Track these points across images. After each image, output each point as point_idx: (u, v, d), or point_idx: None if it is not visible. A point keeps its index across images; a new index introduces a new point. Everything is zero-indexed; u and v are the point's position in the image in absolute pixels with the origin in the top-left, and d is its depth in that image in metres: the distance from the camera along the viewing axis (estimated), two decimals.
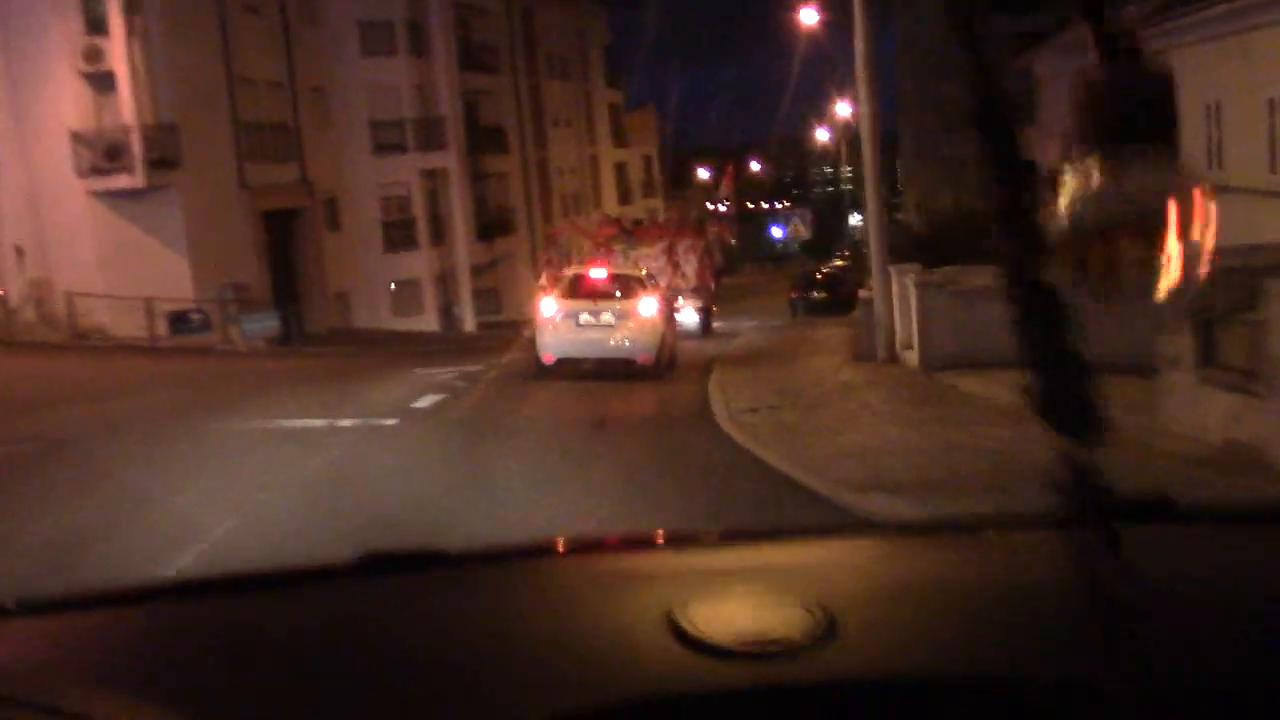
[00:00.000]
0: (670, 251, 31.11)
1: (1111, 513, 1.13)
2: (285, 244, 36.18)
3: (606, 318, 18.72)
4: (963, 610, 1.53)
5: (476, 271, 44.67)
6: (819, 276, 40.01)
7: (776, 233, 72.12)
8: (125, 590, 1.92)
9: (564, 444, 12.49)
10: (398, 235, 40.49)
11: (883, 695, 1.29)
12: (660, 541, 2.20)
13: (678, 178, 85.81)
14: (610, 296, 19.16)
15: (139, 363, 24.76)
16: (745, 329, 32.96)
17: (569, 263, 28.78)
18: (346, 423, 14.02)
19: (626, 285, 19.88)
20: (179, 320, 30.15)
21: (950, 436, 10.39)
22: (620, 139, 63.84)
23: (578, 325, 18.76)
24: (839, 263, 57.36)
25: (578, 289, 19.61)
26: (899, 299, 18.33)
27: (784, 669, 1.32)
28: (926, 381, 14.80)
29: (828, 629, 1.38)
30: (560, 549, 2.13)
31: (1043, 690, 1.29)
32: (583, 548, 2.20)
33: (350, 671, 1.44)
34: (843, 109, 59.62)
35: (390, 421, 14.12)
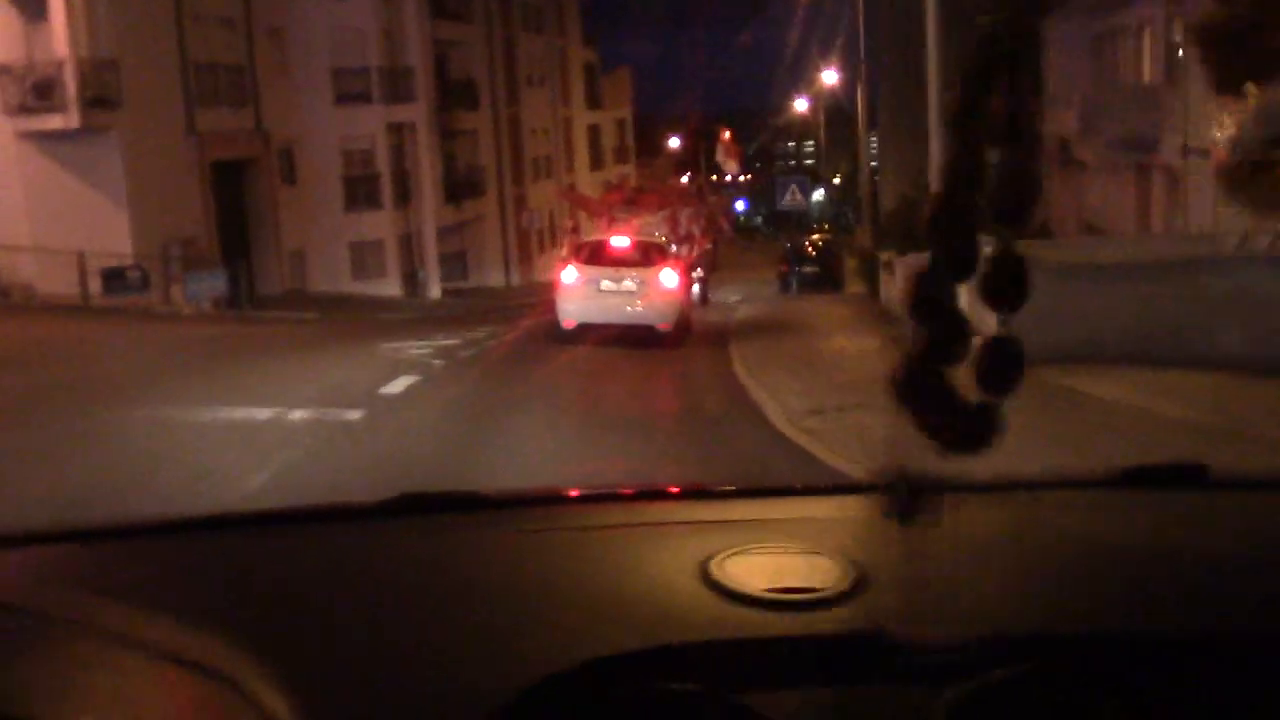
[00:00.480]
0: (672, 219, 30.45)
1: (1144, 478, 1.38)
2: (236, 197, 32.91)
3: (628, 284, 18.63)
4: (992, 567, 1.53)
5: (443, 235, 41.55)
6: (809, 250, 37.27)
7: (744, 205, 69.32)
8: (148, 523, 1.95)
9: (579, 461, 9.49)
10: (360, 192, 37.23)
11: (909, 647, 1.28)
12: (696, 492, 2.22)
13: (649, 144, 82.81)
14: (632, 263, 19.03)
15: (62, 326, 21.51)
16: (736, 302, 30.33)
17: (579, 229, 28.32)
18: (299, 415, 11.05)
19: (647, 252, 19.69)
20: (114, 278, 26.87)
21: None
22: (594, 101, 60.68)
23: (599, 291, 18.62)
24: (815, 237, 54.71)
25: (599, 255, 19.37)
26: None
27: (814, 619, 1.34)
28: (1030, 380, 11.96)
29: (858, 580, 1.39)
30: (597, 496, 2.12)
31: (1071, 646, 1.31)
32: (619, 497, 2.14)
33: (383, 609, 1.43)
34: (827, 77, 56.86)
35: (355, 414, 11.17)
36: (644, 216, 29.87)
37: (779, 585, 1.40)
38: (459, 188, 43.17)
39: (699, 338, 20.33)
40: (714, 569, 1.45)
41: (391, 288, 37.67)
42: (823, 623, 1.33)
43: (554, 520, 1.91)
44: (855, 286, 36.34)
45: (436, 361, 15.82)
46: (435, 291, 39.12)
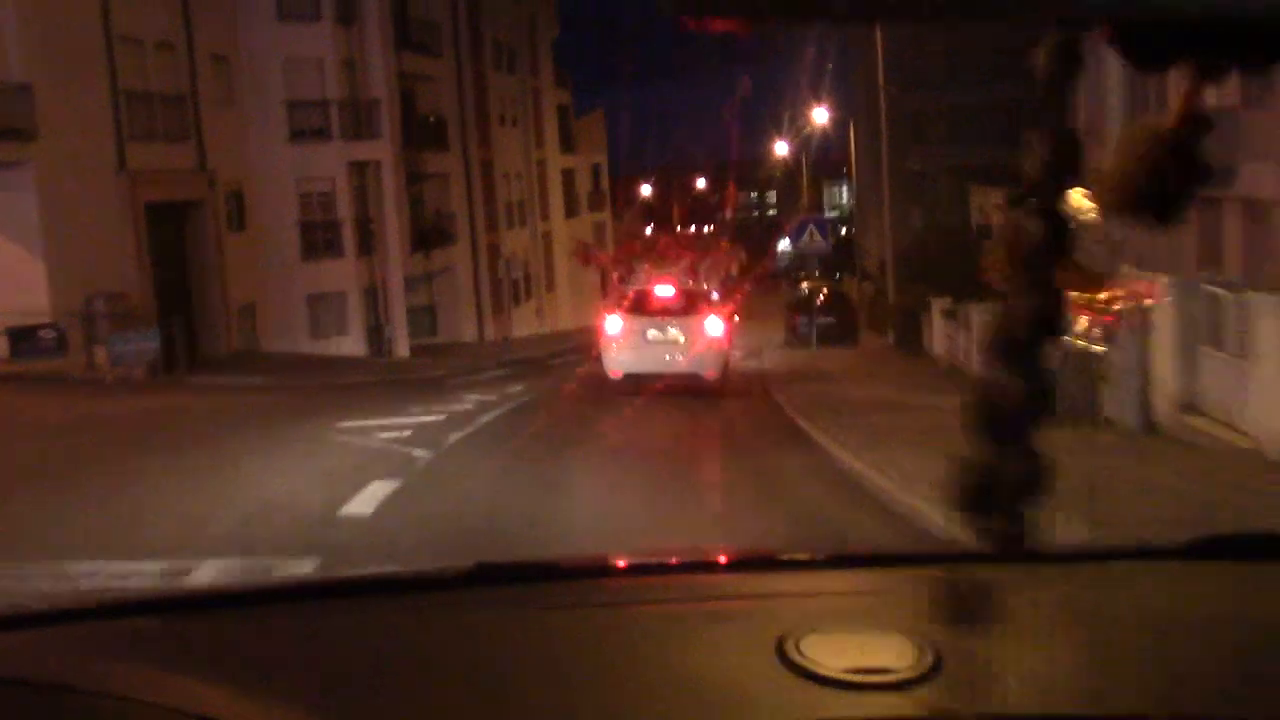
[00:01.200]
0: (693, 270, 29.51)
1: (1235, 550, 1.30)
2: (176, 244, 28.50)
3: (673, 333, 18.63)
4: (1069, 644, 1.51)
5: (410, 286, 37.26)
6: (821, 299, 33.29)
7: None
8: (224, 592, 2.14)
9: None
10: (318, 239, 32.88)
11: None
12: (769, 563, 2.18)
13: (624, 192, 79.11)
14: (676, 312, 19.03)
15: None
16: (747, 357, 26.26)
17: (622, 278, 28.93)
18: (208, 567, 6.67)
19: (691, 301, 19.71)
20: (23, 339, 22.40)
21: None
22: (568, 144, 56.73)
23: (645, 341, 18.66)
24: (808, 284, 50.84)
25: (643, 305, 19.33)
26: (1173, 329, 11.42)
27: (895, 701, 1.31)
28: None
29: (936, 659, 1.36)
30: (673, 566, 2.09)
31: None
32: (695, 566, 2.09)
33: (459, 682, 1.44)
34: (818, 115, 53.46)
35: (297, 565, 6.79)
36: (664, 267, 29.31)
37: (858, 665, 1.36)
38: (428, 235, 38.96)
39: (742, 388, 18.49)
40: (790, 648, 1.41)
41: (354, 345, 33.26)
42: (904, 705, 1.29)
43: (627, 594, 1.87)
44: (871, 336, 32.29)
45: (418, 453, 11.48)
46: (403, 349, 34.73)
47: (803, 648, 1.41)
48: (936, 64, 59.67)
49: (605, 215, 60.64)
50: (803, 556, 2.12)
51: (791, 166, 72.86)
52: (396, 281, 34.79)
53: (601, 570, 2.08)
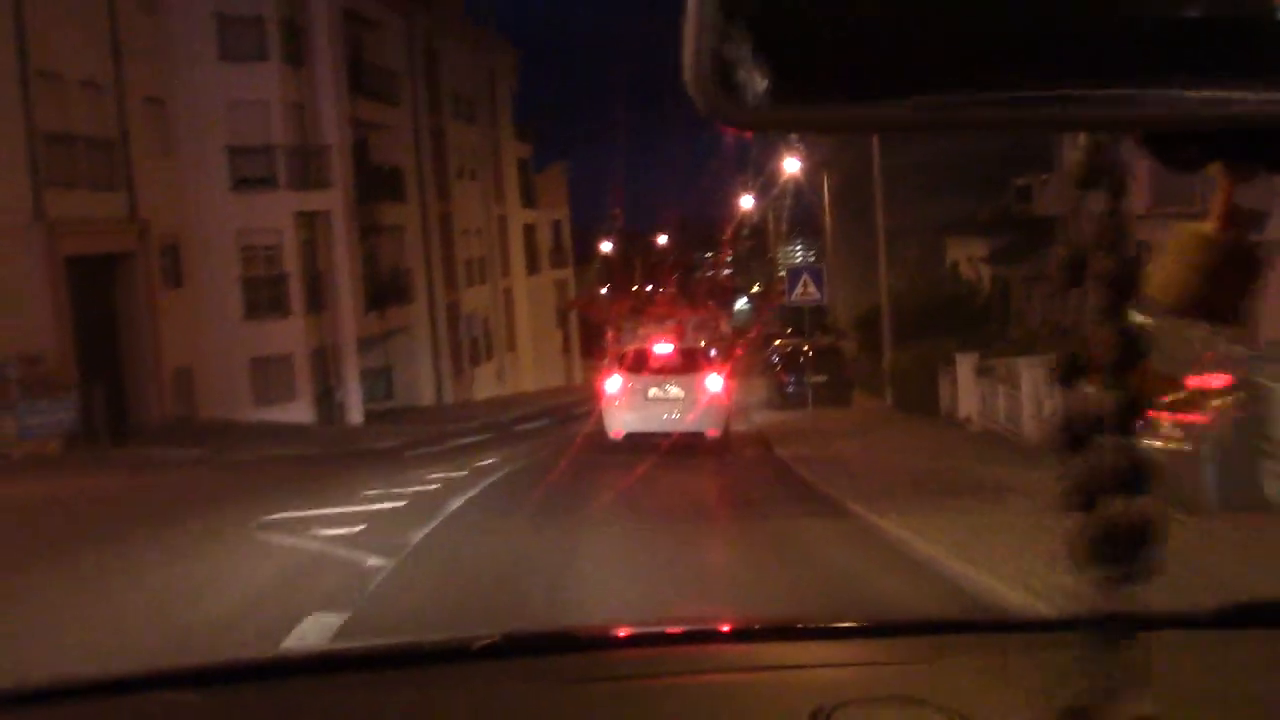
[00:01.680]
0: (680, 328, 28.80)
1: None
2: (104, 302, 25.51)
3: (675, 391, 18.41)
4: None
5: (364, 347, 34.36)
6: (809, 354, 30.73)
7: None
8: (254, 663, 2.04)
9: None
10: (263, 296, 29.92)
11: None
12: (805, 631, 2.15)
13: (586, 248, 76.64)
14: (676, 370, 18.84)
15: None
16: (740, 419, 23.68)
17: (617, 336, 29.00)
18: None
19: (692, 358, 19.65)
20: None
21: None
22: (529, 199, 54.22)
23: (646, 400, 18.44)
24: (781, 341, 48.41)
25: (643, 363, 19.08)
26: None
27: None
28: None
29: None
30: (705, 635, 2.08)
31: None
32: (727, 636, 2.09)
33: None
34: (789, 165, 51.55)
35: None
36: (650, 325, 28.95)
37: None
38: (383, 292, 36.11)
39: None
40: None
41: (302, 412, 30.22)
42: None
43: (655, 665, 1.85)
44: (863, 397, 29.74)
45: (373, 561, 8.58)
46: (356, 415, 31.75)
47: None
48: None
49: (568, 272, 58.10)
50: (834, 625, 2.10)
51: (755, 224, 70.85)
52: (349, 342, 31.87)
53: (630, 641, 2.01)
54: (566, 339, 57.12)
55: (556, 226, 57.70)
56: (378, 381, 37.89)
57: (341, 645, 3.40)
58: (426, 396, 39.02)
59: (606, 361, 24.55)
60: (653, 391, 18.62)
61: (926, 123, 0.68)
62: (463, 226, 43.77)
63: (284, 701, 1.69)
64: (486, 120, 47.95)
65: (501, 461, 18.51)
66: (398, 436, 26.42)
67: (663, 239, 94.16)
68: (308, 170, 30.59)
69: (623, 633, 2.07)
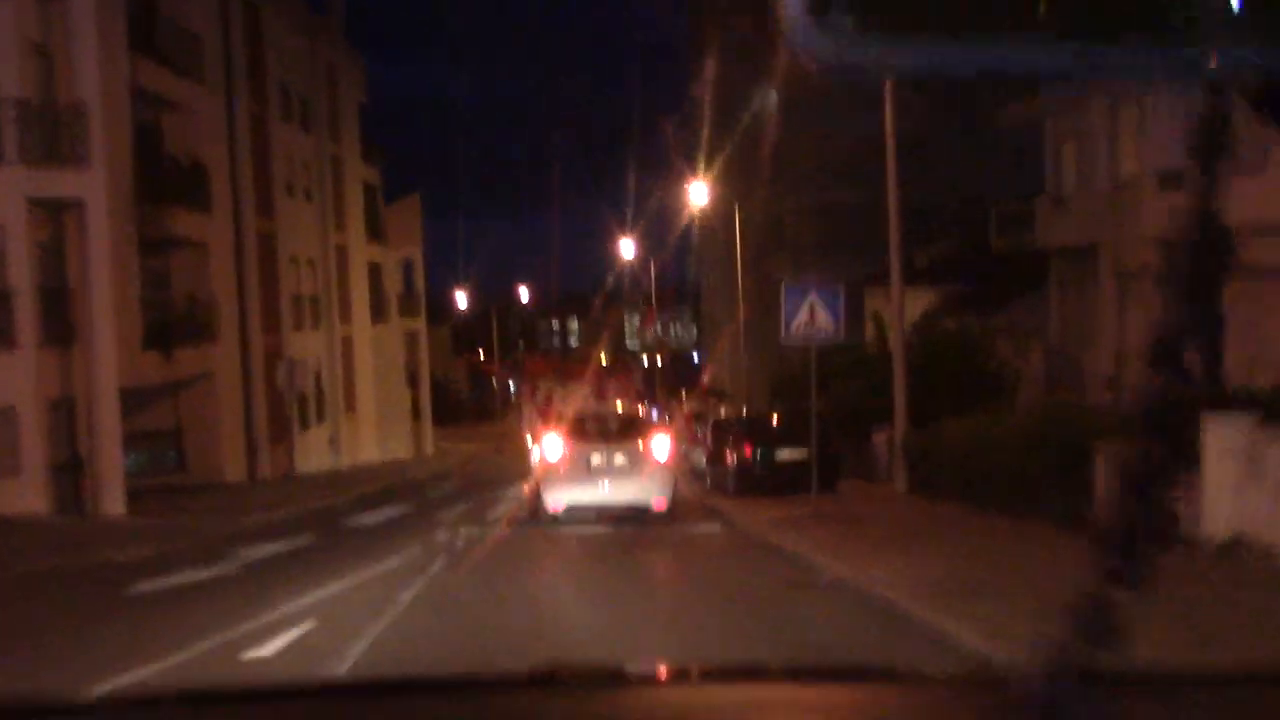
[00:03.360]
0: (600, 390, 28.78)
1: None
2: None
3: (619, 460, 16.38)
4: None
5: (142, 400, 24.06)
6: (776, 422, 21.80)
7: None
8: (294, 687, 2.05)
9: None
10: None
11: None
12: (848, 678, 2.07)
13: (442, 298, 66.84)
14: (619, 436, 16.96)
15: None
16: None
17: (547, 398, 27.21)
18: None
19: (634, 422, 18.46)
20: None
21: None
22: (377, 233, 44.34)
23: (588, 469, 16.32)
24: (693, 406, 39.75)
25: (582, 428, 17.22)
26: None
27: None
28: None
29: None
30: (749, 674, 2.01)
31: None
32: (772, 675, 2.01)
33: None
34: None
35: None
36: (570, 386, 27.65)
37: None
38: (173, 327, 25.90)
39: None
40: None
41: (29, 496, 19.71)
42: None
43: (697, 699, 1.82)
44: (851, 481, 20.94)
45: None
46: (115, 502, 21.21)
47: None
48: (805, 161, 50.20)
49: (420, 323, 48.10)
50: (872, 668, 2.08)
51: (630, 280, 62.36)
52: (108, 390, 21.42)
53: (665, 679, 1.97)
54: (417, 402, 47.07)
55: (408, 267, 47.83)
56: (163, 449, 27.46)
57: (378, 675, 2.86)
58: (233, 470, 28.63)
59: (526, 425, 22.00)
60: (595, 459, 16.45)
61: (1012, 68, 0.70)
62: (290, 253, 33.69)
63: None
64: (326, 130, 38.11)
65: (346, 591, 9.08)
66: (159, 539, 16.31)
67: (525, 296, 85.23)
68: (53, 137, 20.36)
69: (673, 670, 1.98)
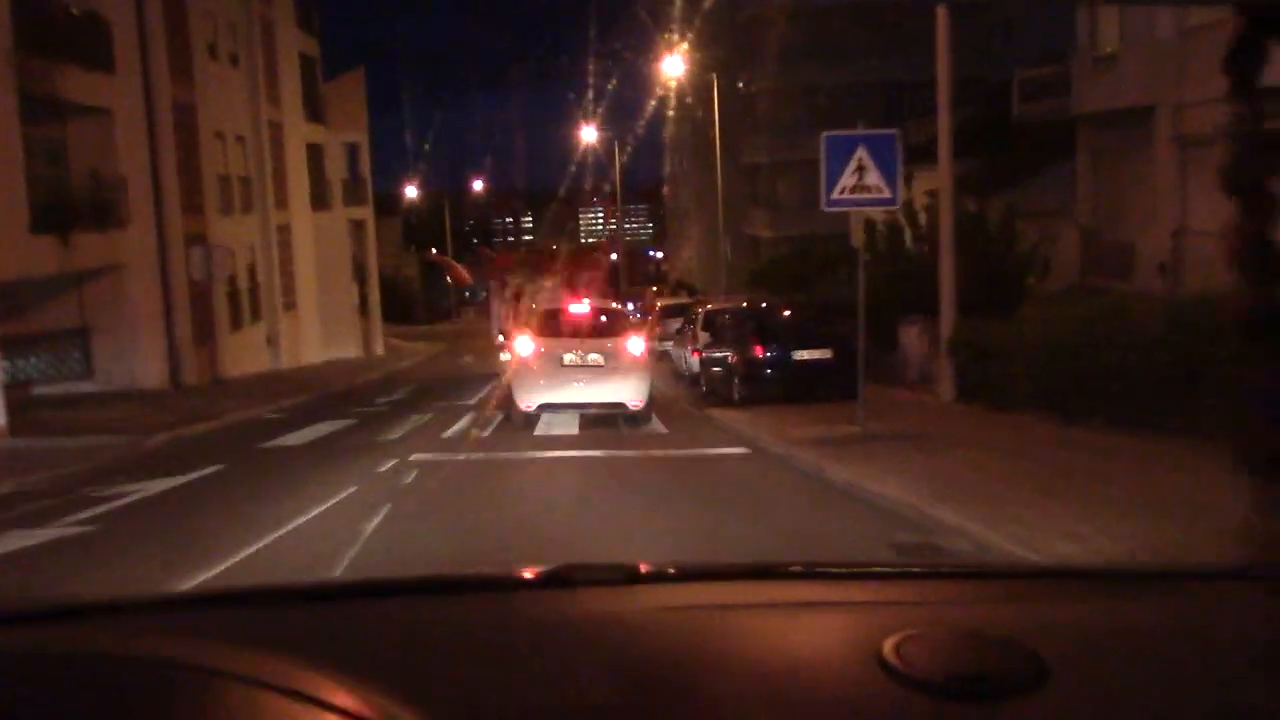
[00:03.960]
0: (570, 284, 26.34)
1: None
2: None
3: (594, 358, 15.40)
4: (1170, 662, 1.43)
5: (37, 293, 20.09)
6: (786, 315, 18.27)
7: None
8: (319, 586, 1.96)
9: None
10: None
11: None
12: (867, 573, 2.06)
13: (390, 188, 62.23)
14: (595, 334, 15.81)
15: None
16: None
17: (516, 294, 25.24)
18: None
19: (612, 321, 16.44)
20: None
21: None
22: (316, 112, 39.84)
23: (561, 367, 15.32)
24: (676, 299, 36.13)
25: (556, 325, 15.93)
26: None
27: (997, 711, 1.24)
28: None
29: (1038, 673, 1.29)
30: (761, 572, 1.94)
31: None
32: (784, 574, 1.93)
33: (547, 682, 1.37)
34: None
35: None
36: (539, 281, 26.92)
37: (960, 674, 1.28)
38: (71, 208, 21.75)
39: None
40: (889, 653, 1.33)
41: None
42: (1006, 715, 1.23)
43: (719, 596, 1.73)
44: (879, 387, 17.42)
45: None
46: None
47: (905, 655, 1.32)
48: (787, 36, 45.75)
49: (367, 212, 43.73)
50: (902, 565, 2.06)
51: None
52: None
53: (683, 575, 1.89)
54: (364, 298, 43.03)
55: (353, 152, 43.30)
56: (65, 351, 23.47)
57: (384, 577, 2.57)
58: (151, 374, 24.74)
59: (495, 322, 21.70)
60: (568, 358, 15.35)
61: None
62: (214, 127, 29.35)
63: (331, 623, 1.59)
64: None
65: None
66: (22, 470, 12.58)
67: (479, 186, 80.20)
68: None
69: (678, 568, 1.90)
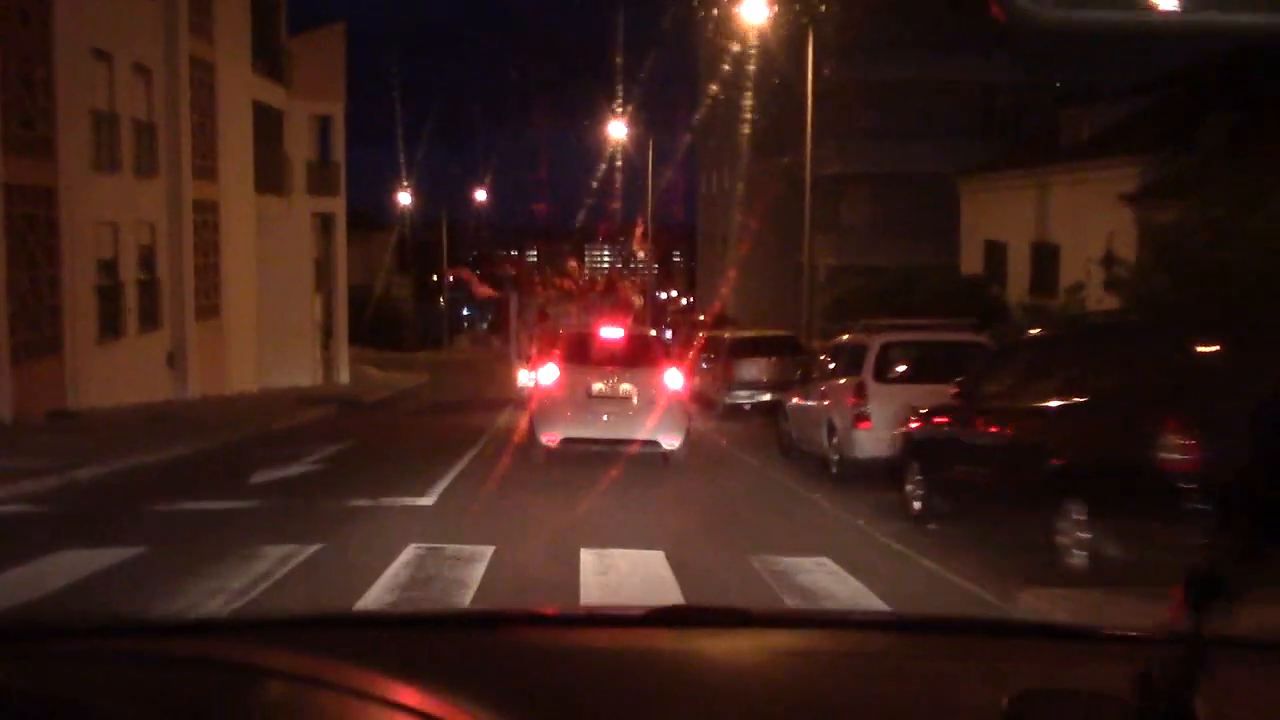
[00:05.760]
0: (599, 309, 23.83)
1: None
2: None
3: (626, 388, 13.66)
4: None
5: None
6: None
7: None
8: (442, 615, 2.10)
9: None
10: None
11: None
12: (989, 626, 1.99)
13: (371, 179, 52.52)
14: (628, 362, 13.90)
15: None
16: None
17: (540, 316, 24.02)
18: None
19: (648, 349, 14.57)
20: None
21: None
22: (274, 67, 30.05)
23: (589, 397, 13.64)
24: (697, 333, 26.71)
25: (584, 351, 14.14)
26: None
27: None
28: None
29: None
30: (883, 625, 1.90)
31: None
32: (914, 625, 1.92)
33: (649, 709, 1.37)
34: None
35: None
36: (560, 306, 25.04)
37: None
38: None
39: None
40: (1010, 710, 1.29)
41: None
42: None
43: (831, 643, 1.72)
44: None
45: None
46: None
47: (1024, 711, 1.28)
48: (861, 29, 35.69)
49: (339, 205, 33.66)
50: (1026, 622, 2.02)
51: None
52: None
53: (799, 621, 1.87)
54: (330, 312, 33.04)
55: (325, 126, 33.38)
56: None
57: (490, 608, 2.69)
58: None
59: (517, 349, 21.78)
60: (597, 387, 13.68)
61: (1200, 28, 1.18)
62: (90, 40, 19.46)
63: (452, 650, 1.61)
64: None
65: None
66: None
67: (481, 201, 70.35)
68: None
69: (790, 614, 1.90)
